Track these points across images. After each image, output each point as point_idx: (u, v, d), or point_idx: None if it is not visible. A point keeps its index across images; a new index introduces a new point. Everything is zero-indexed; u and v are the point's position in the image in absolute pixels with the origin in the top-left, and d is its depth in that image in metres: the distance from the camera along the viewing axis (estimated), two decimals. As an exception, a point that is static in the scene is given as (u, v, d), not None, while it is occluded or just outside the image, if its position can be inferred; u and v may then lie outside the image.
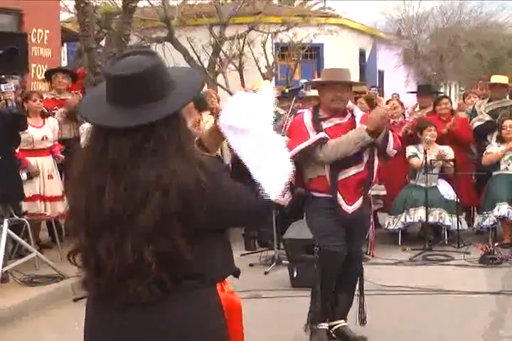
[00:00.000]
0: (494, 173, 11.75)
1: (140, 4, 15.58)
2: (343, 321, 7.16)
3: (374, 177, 7.10)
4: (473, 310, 8.23)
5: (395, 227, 11.71)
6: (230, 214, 3.18)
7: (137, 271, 2.99)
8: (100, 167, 3.04)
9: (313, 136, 6.76)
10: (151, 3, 19.14)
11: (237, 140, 3.35)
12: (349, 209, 6.85)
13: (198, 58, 19.77)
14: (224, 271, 3.29)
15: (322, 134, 6.75)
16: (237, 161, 3.31)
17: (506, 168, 11.50)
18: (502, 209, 11.29)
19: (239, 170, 3.30)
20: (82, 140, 9.18)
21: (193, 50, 19.88)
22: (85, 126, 9.22)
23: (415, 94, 14.51)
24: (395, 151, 7.53)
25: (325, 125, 6.90)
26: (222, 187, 3.12)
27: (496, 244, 11.10)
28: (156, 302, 3.05)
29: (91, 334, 3.23)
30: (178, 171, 2.98)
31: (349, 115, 7.09)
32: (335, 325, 7.16)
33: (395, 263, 10.54)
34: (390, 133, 7.25)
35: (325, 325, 7.04)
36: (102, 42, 15.00)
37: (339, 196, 6.77)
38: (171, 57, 20.83)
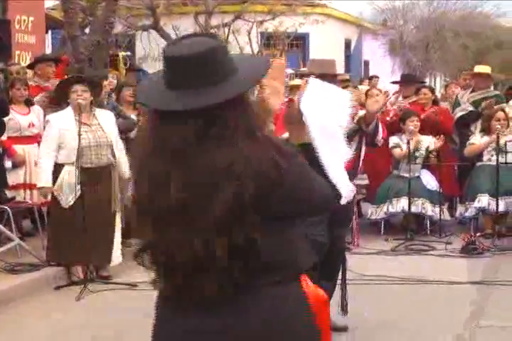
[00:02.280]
0: (477, 164, 11.79)
1: (125, -8, 15.58)
2: None
3: (360, 166, 7.13)
4: (455, 299, 8.30)
5: (378, 217, 11.77)
6: (301, 202, 3.01)
7: (209, 265, 2.84)
8: (162, 153, 2.89)
9: None
10: (136, -9, 19.15)
11: (314, 129, 3.30)
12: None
13: (184, 47, 19.72)
14: (304, 262, 3.10)
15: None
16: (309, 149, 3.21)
17: (489, 159, 11.54)
18: (483, 200, 11.37)
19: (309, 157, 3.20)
20: (44, 133, 9.12)
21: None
22: (49, 117, 9.17)
23: (399, 84, 14.57)
24: (383, 141, 7.61)
25: None
26: (301, 172, 2.97)
27: (478, 235, 11.19)
28: (233, 299, 2.90)
29: (168, 336, 3.07)
30: (252, 157, 2.81)
31: None
32: None
33: (377, 253, 10.60)
34: (380, 123, 7.29)
35: None
36: (87, 30, 14.93)
37: None
38: (156, 46, 20.91)
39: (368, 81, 18.41)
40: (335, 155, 3.28)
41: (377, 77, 20.57)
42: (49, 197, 9.00)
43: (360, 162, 7.13)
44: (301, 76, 7.84)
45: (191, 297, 2.93)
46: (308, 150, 3.17)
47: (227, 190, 2.79)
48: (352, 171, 6.94)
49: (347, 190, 3.27)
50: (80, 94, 8.83)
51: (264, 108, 3.28)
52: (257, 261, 2.88)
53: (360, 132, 6.96)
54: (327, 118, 3.33)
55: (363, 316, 7.16)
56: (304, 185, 2.98)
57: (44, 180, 8.83)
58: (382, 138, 7.27)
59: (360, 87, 16.00)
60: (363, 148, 7.13)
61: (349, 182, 3.33)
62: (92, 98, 9.03)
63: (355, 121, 6.80)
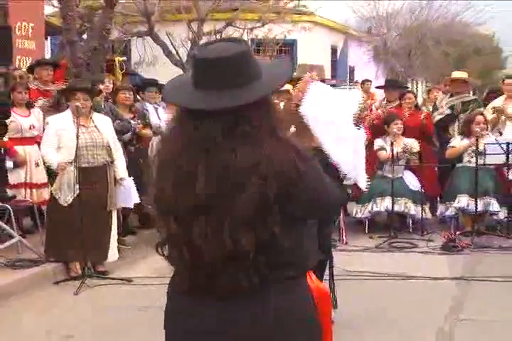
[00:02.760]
0: (457, 165, 11.83)
1: (121, 0, 15.55)
2: None
3: None
4: (436, 294, 8.32)
5: (363, 216, 11.80)
6: (315, 203, 3.05)
7: (235, 259, 2.86)
8: (190, 150, 2.90)
9: None
10: (132, -1, 19.16)
11: (319, 130, 3.31)
12: None
13: (177, 52, 19.73)
14: (312, 259, 3.18)
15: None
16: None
17: (469, 161, 11.57)
18: (462, 201, 11.41)
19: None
20: (45, 132, 9.12)
21: (172, 44, 19.85)
22: (48, 119, 9.22)
23: (383, 89, 14.59)
24: (366, 142, 7.63)
25: None
26: (315, 174, 3.01)
27: (458, 233, 11.24)
28: (255, 292, 2.92)
29: (187, 329, 3.05)
30: (275, 157, 2.84)
31: None
32: None
33: (362, 250, 10.62)
34: (363, 126, 7.29)
35: None
36: (84, 36, 14.94)
37: None
38: (151, 51, 20.91)
39: (360, 85, 18.39)
40: (346, 151, 3.29)
41: (369, 81, 20.58)
42: (47, 196, 9.07)
43: None
44: (291, 80, 7.84)
45: (219, 289, 2.94)
46: (320, 154, 3.21)
47: (252, 189, 2.82)
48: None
49: (361, 177, 3.32)
50: (82, 102, 8.88)
51: (291, 112, 3.33)
52: (278, 256, 2.93)
53: None
54: (332, 116, 3.35)
55: (348, 310, 7.16)
56: (318, 187, 3.02)
57: (54, 160, 8.88)
58: (366, 139, 7.30)
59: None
60: None
61: (363, 171, 3.36)
62: (91, 103, 9.11)
63: None
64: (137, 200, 9.61)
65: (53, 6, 15.44)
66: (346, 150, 3.30)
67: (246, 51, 2.98)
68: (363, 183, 3.20)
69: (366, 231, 11.69)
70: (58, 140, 8.83)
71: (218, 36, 19.82)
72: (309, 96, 3.40)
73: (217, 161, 2.86)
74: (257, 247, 2.86)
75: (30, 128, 10.27)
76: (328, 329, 3.21)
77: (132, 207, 9.99)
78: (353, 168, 3.26)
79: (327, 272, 7.16)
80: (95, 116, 9.21)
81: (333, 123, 3.34)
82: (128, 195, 9.43)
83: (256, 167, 2.82)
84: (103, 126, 9.16)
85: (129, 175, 9.40)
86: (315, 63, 8.78)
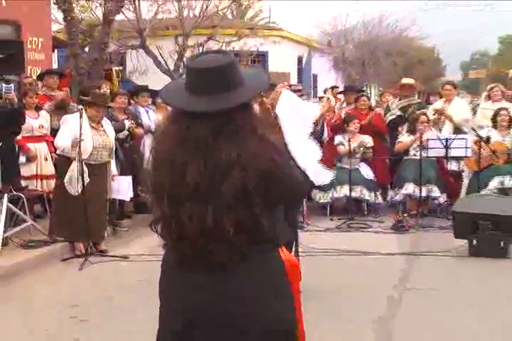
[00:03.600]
0: (404, 158, 11.88)
1: (118, 18, 15.47)
2: None
3: None
4: (386, 267, 8.36)
5: (325, 201, 11.82)
6: (287, 191, 3.08)
7: (217, 236, 2.92)
8: (184, 145, 2.95)
9: None
10: (127, 17, 19.00)
11: (286, 128, 3.35)
12: None
13: (165, 62, 19.67)
14: (284, 237, 3.22)
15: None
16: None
17: (414, 154, 11.61)
18: (409, 188, 11.47)
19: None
20: (62, 127, 9.09)
21: (161, 56, 19.79)
22: (67, 117, 9.16)
23: (342, 93, 14.62)
24: (328, 138, 7.65)
25: None
26: (287, 166, 3.06)
27: (405, 215, 11.31)
28: (237, 264, 2.97)
29: (177, 296, 3.10)
30: (255, 152, 2.90)
31: None
32: None
33: (324, 230, 10.64)
34: (325, 125, 7.34)
35: None
36: (86, 49, 14.85)
37: None
38: (143, 62, 20.82)
39: (330, 90, 18.31)
40: (306, 151, 3.32)
41: (337, 87, 20.50)
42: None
43: None
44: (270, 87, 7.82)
45: (202, 262, 3.00)
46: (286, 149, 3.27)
47: (234, 178, 2.87)
48: None
49: (322, 177, 3.34)
50: (96, 113, 9.04)
51: (266, 113, 3.37)
52: (257, 234, 2.97)
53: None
54: (298, 122, 3.38)
55: (312, 282, 7.17)
56: (291, 177, 3.07)
57: (66, 145, 8.84)
58: (327, 136, 7.32)
59: (325, 95, 16.01)
60: None
61: (324, 170, 3.39)
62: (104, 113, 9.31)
63: None
64: (131, 195, 9.70)
65: (59, 23, 15.36)
66: (305, 153, 3.33)
67: (232, 62, 3.02)
68: (316, 180, 3.24)
69: (328, 214, 11.71)
70: (73, 136, 8.77)
71: (201, 49, 19.77)
72: (281, 100, 3.43)
73: (206, 155, 2.91)
74: (239, 227, 2.91)
75: (39, 127, 10.28)
76: (297, 295, 3.26)
77: (129, 199, 10.05)
78: (308, 167, 3.29)
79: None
80: (104, 121, 9.26)
81: (298, 128, 3.36)
82: (127, 189, 9.51)
83: (238, 160, 2.88)
84: (109, 130, 9.24)
85: (124, 168, 9.42)
86: (283, 71, 8.78)
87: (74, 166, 8.82)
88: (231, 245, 2.94)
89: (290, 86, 7.35)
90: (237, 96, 2.98)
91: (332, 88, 19.83)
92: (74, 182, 8.79)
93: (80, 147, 8.63)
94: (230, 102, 2.95)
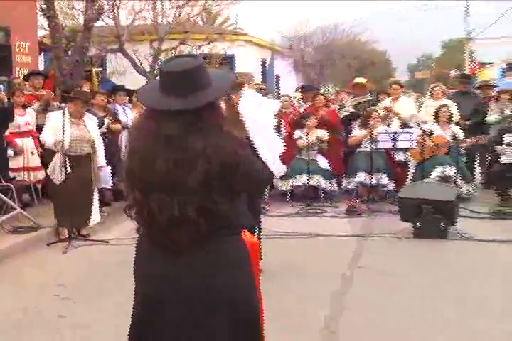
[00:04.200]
0: (357, 150, 11.92)
1: (98, 24, 15.38)
2: None
3: None
4: (341, 248, 8.40)
5: (286, 188, 11.84)
6: (248, 179, 3.11)
7: (182, 221, 2.95)
8: (155, 140, 2.98)
9: None
10: (106, 24, 18.88)
11: (250, 125, 3.36)
12: None
13: (142, 65, 19.56)
14: (246, 221, 3.27)
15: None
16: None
17: (365, 147, 11.66)
18: (361, 176, 11.51)
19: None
20: (46, 124, 9.02)
21: (138, 58, 19.68)
22: (50, 114, 9.11)
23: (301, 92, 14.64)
24: (286, 133, 7.64)
25: None
26: (249, 158, 3.10)
27: (357, 201, 11.36)
28: (203, 247, 3.02)
29: (147, 271, 3.15)
30: (220, 145, 2.94)
31: None
32: None
33: (285, 215, 10.66)
34: (282, 122, 7.36)
35: None
36: (69, 52, 14.73)
37: None
38: (121, 64, 20.68)
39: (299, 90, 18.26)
40: (268, 144, 3.34)
41: (303, 87, 20.46)
42: (41, 177, 9.11)
43: None
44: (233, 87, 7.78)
45: (169, 244, 3.03)
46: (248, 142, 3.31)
47: (200, 167, 2.91)
48: None
49: (278, 168, 3.38)
50: (78, 108, 8.97)
51: (233, 110, 3.41)
52: (219, 219, 3.01)
53: None
54: (259, 117, 3.40)
55: (274, 261, 7.21)
56: (252, 168, 3.10)
57: (51, 142, 8.80)
58: (286, 131, 7.31)
59: (293, 94, 15.99)
60: None
61: (280, 163, 3.42)
62: (85, 109, 9.22)
63: None
64: (111, 183, 9.67)
65: (45, 29, 15.22)
66: (267, 146, 3.35)
67: (200, 65, 3.07)
68: (276, 170, 3.27)
69: (288, 201, 11.74)
70: (55, 132, 8.73)
71: (174, 52, 19.69)
72: (244, 98, 3.45)
73: (175, 149, 2.95)
74: (203, 213, 2.95)
75: (26, 124, 10.23)
76: (257, 272, 3.32)
77: (109, 186, 10.01)
78: (270, 157, 3.32)
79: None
80: (85, 117, 9.19)
81: (260, 123, 3.38)
82: (107, 178, 9.47)
83: (204, 153, 2.92)
84: (90, 125, 9.15)
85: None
86: (246, 72, 8.80)
87: (56, 158, 8.81)
88: (196, 230, 2.97)
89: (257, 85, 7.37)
90: (204, 96, 3.01)
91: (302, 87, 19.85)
92: (56, 172, 8.78)
93: (63, 142, 8.61)
94: (198, 102, 2.99)
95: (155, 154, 2.97)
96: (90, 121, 9.27)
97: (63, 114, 8.60)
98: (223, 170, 2.95)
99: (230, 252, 3.09)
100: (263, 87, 14.38)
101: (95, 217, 9.19)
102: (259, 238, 7.12)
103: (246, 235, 3.22)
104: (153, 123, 3.03)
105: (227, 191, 3.02)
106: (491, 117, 12.70)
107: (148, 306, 3.14)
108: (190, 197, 2.94)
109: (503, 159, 11.09)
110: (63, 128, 8.52)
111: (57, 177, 8.77)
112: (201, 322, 3.06)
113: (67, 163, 8.70)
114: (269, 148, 3.38)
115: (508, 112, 12.12)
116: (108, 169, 9.61)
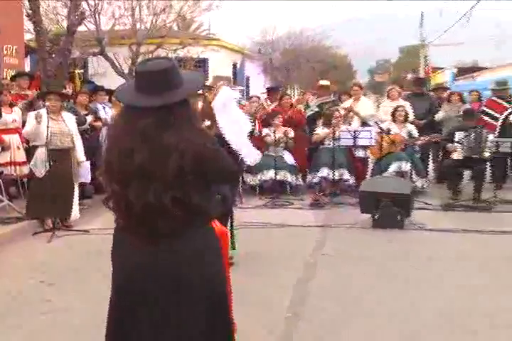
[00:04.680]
0: (320, 147, 11.96)
1: (80, 29, 15.26)
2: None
3: None
4: (306, 237, 8.41)
5: (254, 183, 11.85)
6: (219, 171, 3.15)
7: (158, 211, 2.95)
8: (131, 134, 2.98)
9: None
10: (88, 28, 18.76)
11: (222, 119, 3.36)
12: None
13: (121, 67, 19.45)
14: (215, 211, 3.27)
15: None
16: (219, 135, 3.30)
17: (328, 144, 11.70)
18: (324, 171, 11.56)
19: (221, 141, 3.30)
20: (28, 121, 8.93)
21: (118, 61, 19.57)
22: (31, 113, 9.01)
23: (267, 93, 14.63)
24: (259, 133, 7.62)
25: None
26: (219, 152, 3.12)
27: (321, 194, 11.37)
28: (175, 234, 3.02)
29: (123, 258, 3.15)
30: (191, 139, 2.96)
31: None
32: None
33: (254, 207, 10.65)
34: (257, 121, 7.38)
35: None
36: (53, 55, 14.59)
37: None
38: (102, 66, 20.53)
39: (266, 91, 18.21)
40: (240, 137, 3.35)
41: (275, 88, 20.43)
42: (26, 171, 9.04)
43: None
44: (209, 87, 7.72)
45: (145, 233, 3.03)
46: (220, 137, 3.33)
47: (174, 161, 2.92)
48: None
49: (253, 157, 3.39)
50: (54, 102, 8.89)
51: (208, 106, 3.43)
52: (191, 209, 3.01)
53: None
54: (232, 113, 3.41)
55: (244, 250, 7.21)
56: (222, 160, 3.14)
57: (28, 128, 8.82)
58: (258, 130, 7.31)
59: (262, 95, 15.95)
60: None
61: (255, 151, 3.42)
62: (61, 103, 9.09)
63: None
64: (90, 178, 9.58)
65: (31, 33, 15.06)
66: (239, 139, 3.36)
67: (172, 66, 3.08)
68: (249, 160, 3.29)
69: (257, 194, 11.74)
70: (36, 129, 8.68)
71: (151, 55, 19.60)
72: (219, 98, 3.47)
73: (150, 142, 2.95)
74: (176, 202, 2.95)
75: (12, 121, 10.09)
76: (226, 259, 3.33)
77: (89, 181, 9.92)
78: (243, 149, 3.33)
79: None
80: (64, 113, 9.12)
81: (233, 120, 3.39)
82: (86, 173, 9.39)
83: (177, 146, 2.93)
84: (69, 121, 9.07)
85: (85, 155, 9.34)
86: (223, 75, 8.77)
87: (38, 152, 8.80)
88: (170, 218, 2.98)
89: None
90: (177, 94, 3.03)
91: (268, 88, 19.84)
92: (39, 165, 8.75)
93: (47, 136, 8.58)
94: (171, 99, 3.00)
95: (132, 148, 2.97)
96: (68, 116, 9.19)
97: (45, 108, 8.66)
98: (195, 163, 2.96)
99: (202, 241, 3.09)
100: (240, 88, 14.36)
101: (75, 212, 9.12)
102: (231, 228, 7.14)
103: (216, 224, 3.23)
104: (129, 120, 3.05)
105: (199, 183, 3.03)
106: (439, 114, 12.83)
107: (123, 294, 3.14)
108: (165, 187, 2.94)
109: (454, 155, 11.20)
110: (41, 118, 8.54)
111: (39, 171, 8.73)
112: (175, 308, 3.06)
113: (49, 157, 8.66)
114: (240, 140, 3.39)
115: (457, 113, 12.24)
116: (87, 164, 9.50)
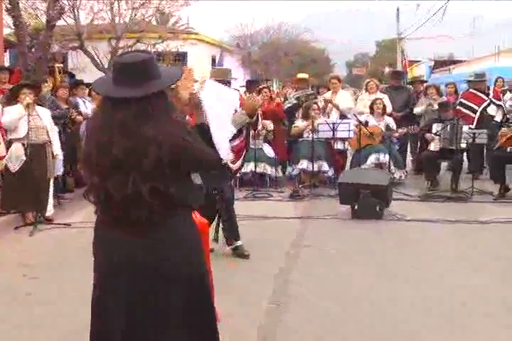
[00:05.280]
0: (299, 139, 11.95)
1: (60, 23, 15.15)
2: (240, 241, 7.24)
3: (249, 145, 7.09)
4: (286, 228, 8.44)
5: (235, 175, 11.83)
6: (197, 161, 3.15)
7: (137, 202, 2.94)
8: (109, 126, 2.97)
9: None
10: (67, 23, 18.63)
11: (208, 112, 3.34)
12: (234, 167, 6.83)
13: (100, 61, 19.36)
14: (195, 202, 3.24)
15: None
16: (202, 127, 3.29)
17: (307, 136, 11.71)
18: (303, 163, 11.53)
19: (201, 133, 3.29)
20: (5, 116, 8.86)
21: (97, 55, 19.47)
22: (7, 109, 8.93)
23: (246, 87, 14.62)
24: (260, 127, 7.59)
25: None
26: (197, 143, 3.11)
27: (300, 186, 11.40)
28: (155, 225, 3.02)
29: (105, 249, 3.14)
30: (169, 130, 2.95)
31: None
32: (234, 245, 7.21)
33: (235, 200, 10.62)
34: (259, 115, 7.39)
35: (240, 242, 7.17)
36: (33, 49, 14.47)
37: None
38: (82, 61, 20.41)
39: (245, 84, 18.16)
40: (222, 131, 3.34)
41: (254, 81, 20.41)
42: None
43: (250, 142, 7.09)
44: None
45: (125, 224, 3.03)
46: (204, 128, 3.33)
47: (151, 153, 2.91)
48: (245, 148, 6.93)
49: (227, 154, 3.38)
50: (28, 95, 8.79)
51: (177, 99, 3.41)
52: (171, 200, 3.01)
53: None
54: (219, 106, 3.40)
55: (222, 241, 7.20)
56: (199, 151, 3.12)
57: (7, 118, 8.72)
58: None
59: (241, 88, 15.89)
60: (250, 133, 7.11)
61: (229, 150, 3.42)
62: (34, 97, 8.95)
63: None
64: (61, 170, 9.50)
65: (10, 27, 14.91)
66: (222, 133, 3.36)
67: (150, 58, 3.08)
68: (225, 156, 3.29)
69: (237, 186, 11.73)
70: (13, 124, 8.63)
71: (130, 50, 19.50)
72: (206, 87, 3.46)
73: (128, 134, 2.94)
74: (154, 193, 2.95)
75: (-9, 115, 10.01)
76: (207, 249, 3.31)
77: (61, 173, 9.81)
78: (222, 144, 3.33)
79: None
80: (38, 108, 9.04)
81: (217, 111, 3.39)
82: (60, 165, 9.32)
83: (155, 138, 2.92)
84: (44, 115, 9.00)
85: (66, 149, 9.28)
86: (223, 67, 8.78)
87: (13, 147, 8.77)
88: (149, 209, 2.97)
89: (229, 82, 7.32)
90: (154, 85, 3.02)
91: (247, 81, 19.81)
92: (13, 160, 8.69)
93: (28, 131, 8.52)
94: (149, 89, 2.99)
95: (110, 140, 2.96)
96: (43, 110, 9.12)
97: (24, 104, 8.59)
98: (173, 154, 2.95)
99: (181, 232, 3.10)
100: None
101: (50, 207, 9.06)
102: (218, 220, 7.14)
103: (196, 216, 3.24)
104: (108, 112, 3.04)
105: (178, 173, 3.04)
106: (418, 109, 12.89)
107: (106, 284, 3.13)
108: (144, 178, 2.94)
109: (432, 147, 11.27)
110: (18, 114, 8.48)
111: (13, 166, 8.68)
112: (155, 299, 3.06)
113: (24, 151, 8.62)
114: (223, 136, 3.38)
115: (435, 106, 12.28)
116: (61, 157, 9.39)
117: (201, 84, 3.81)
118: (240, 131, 6.84)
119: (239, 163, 6.87)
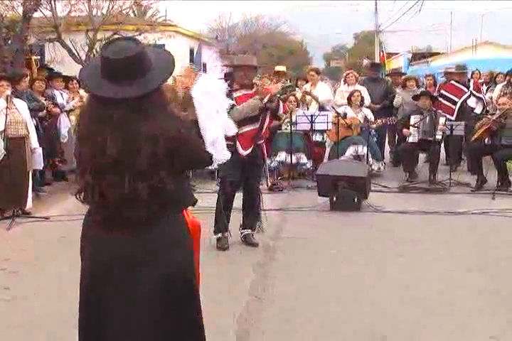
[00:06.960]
0: (278, 132, 11.93)
1: (36, 15, 15.02)
2: (249, 230, 7.29)
3: (263, 131, 7.07)
4: (264, 221, 8.40)
5: (212, 167, 11.63)
6: (191, 158, 3.09)
7: (132, 199, 2.89)
8: (103, 123, 2.88)
9: None
10: (44, 15, 18.47)
11: (199, 108, 3.29)
12: (244, 153, 6.83)
13: (78, 54, 19.23)
14: (188, 201, 3.20)
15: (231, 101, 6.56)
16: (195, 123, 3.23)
17: (286, 128, 11.70)
18: (282, 156, 11.54)
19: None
20: None
21: (74, 47, 19.34)
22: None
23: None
24: (284, 114, 7.53)
25: (235, 94, 6.78)
26: (192, 139, 3.06)
27: (279, 178, 11.40)
28: (148, 223, 2.97)
29: (97, 248, 3.07)
30: (165, 126, 2.89)
31: (254, 88, 7.02)
32: (243, 232, 7.30)
33: (212, 192, 10.29)
34: (281, 103, 7.38)
35: (226, 234, 7.14)
36: (9, 41, 14.33)
37: (238, 143, 6.71)
38: (59, 53, 20.24)
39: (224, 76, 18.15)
40: (216, 129, 3.28)
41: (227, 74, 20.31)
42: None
43: (264, 129, 7.05)
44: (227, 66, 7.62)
45: (118, 223, 2.97)
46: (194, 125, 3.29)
47: (147, 150, 2.85)
48: (258, 135, 6.90)
49: (222, 155, 3.32)
50: (5, 87, 8.77)
51: (174, 94, 3.36)
52: (165, 198, 2.96)
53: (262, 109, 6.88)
54: (212, 101, 3.34)
55: (203, 230, 7.18)
56: (195, 148, 3.09)
57: None
58: (284, 112, 7.34)
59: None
60: (267, 120, 7.08)
61: (226, 149, 3.36)
62: (12, 89, 8.92)
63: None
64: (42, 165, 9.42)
65: (-15, 20, 14.79)
66: (216, 131, 3.31)
67: (142, 50, 2.96)
68: (218, 159, 3.24)
69: (215, 179, 11.65)
70: None
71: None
72: (197, 84, 3.39)
73: (123, 131, 2.87)
74: (151, 192, 2.90)
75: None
76: (197, 249, 3.29)
77: (41, 168, 9.73)
78: (218, 143, 3.29)
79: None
80: (15, 101, 8.92)
81: (210, 107, 3.33)
82: (40, 159, 9.23)
83: (151, 135, 2.86)
84: (21, 109, 8.92)
85: (44, 142, 9.20)
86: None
87: None
88: (143, 208, 2.93)
89: (256, 67, 7.26)
90: (150, 82, 2.93)
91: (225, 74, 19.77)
92: None
93: (6, 124, 8.46)
94: (145, 88, 2.90)
95: (104, 138, 2.88)
96: (20, 103, 9.03)
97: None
98: (169, 151, 2.90)
99: (172, 232, 3.05)
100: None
101: (29, 201, 8.98)
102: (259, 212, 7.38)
103: (188, 215, 3.18)
104: (100, 109, 2.94)
105: (173, 171, 2.98)
106: (396, 101, 12.92)
107: (95, 284, 3.08)
108: (140, 177, 2.88)
109: (410, 139, 11.32)
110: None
111: None
112: (144, 299, 3.02)
113: (6, 146, 8.50)
114: (215, 135, 3.32)
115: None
116: (40, 150, 9.32)
117: (190, 79, 3.77)
118: (253, 118, 6.85)
119: (250, 149, 6.88)
